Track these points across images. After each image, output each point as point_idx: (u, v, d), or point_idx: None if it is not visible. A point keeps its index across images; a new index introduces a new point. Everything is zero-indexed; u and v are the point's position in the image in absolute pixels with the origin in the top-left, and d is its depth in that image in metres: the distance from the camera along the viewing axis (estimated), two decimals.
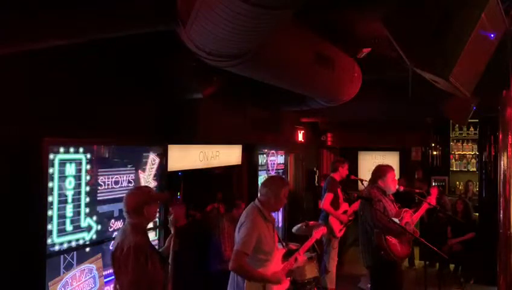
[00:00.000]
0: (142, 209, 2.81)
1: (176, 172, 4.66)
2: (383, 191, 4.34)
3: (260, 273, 3.19)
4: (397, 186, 4.42)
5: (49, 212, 3.02)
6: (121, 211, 3.37)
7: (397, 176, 9.57)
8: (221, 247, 4.75)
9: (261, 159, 6.49)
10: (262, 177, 6.25)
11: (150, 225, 3.93)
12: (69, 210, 3.19)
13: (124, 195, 2.90)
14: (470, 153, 9.41)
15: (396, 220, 4.05)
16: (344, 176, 6.26)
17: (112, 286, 2.98)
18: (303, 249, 3.80)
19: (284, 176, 7.15)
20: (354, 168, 9.25)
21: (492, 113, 5.36)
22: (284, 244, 4.04)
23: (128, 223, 2.84)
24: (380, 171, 4.43)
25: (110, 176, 3.61)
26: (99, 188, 3.48)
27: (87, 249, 3.39)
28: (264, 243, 3.23)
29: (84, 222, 3.34)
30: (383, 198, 4.27)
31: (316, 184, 8.66)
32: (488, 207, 6.84)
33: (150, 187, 3.36)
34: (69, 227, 3.19)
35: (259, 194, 3.42)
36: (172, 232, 3.09)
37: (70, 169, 3.20)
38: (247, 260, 3.14)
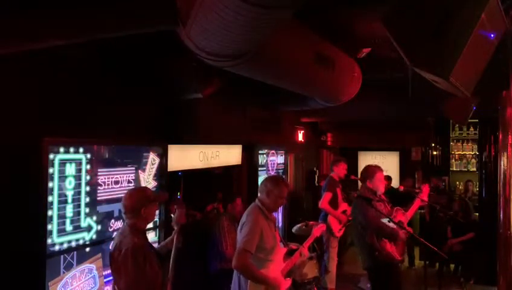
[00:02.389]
0: (139, 211, 2.81)
1: (176, 172, 4.66)
2: (373, 192, 4.34)
3: (262, 274, 3.18)
4: (395, 187, 4.43)
5: (49, 212, 3.01)
6: (120, 211, 3.37)
7: (397, 176, 9.64)
8: (221, 247, 4.75)
9: (261, 159, 6.49)
10: (262, 177, 6.24)
11: (150, 225, 3.93)
12: (69, 210, 3.19)
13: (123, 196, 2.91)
14: (470, 153, 9.42)
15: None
16: (342, 176, 6.22)
17: (111, 286, 2.97)
18: (306, 243, 3.93)
19: (283, 176, 7.15)
20: (354, 168, 9.25)
21: (492, 113, 5.35)
22: (284, 243, 4.05)
23: (126, 224, 2.84)
24: (368, 172, 4.42)
25: (110, 176, 3.60)
26: (99, 188, 3.48)
27: (87, 249, 3.38)
28: (266, 241, 3.24)
29: (84, 222, 3.34)
30: (375, 198, 4.28)
31: (316, 184, 8.66)
32: (488, 207, 6.84)
33: (147, 188, 3.35)
34: (69, 227, 3.19)
35: (258, 194, 3.43)
36: (176, 229, 3.09)
37: (70, 169, 3.20)
38: (250, 258, 3.14)
